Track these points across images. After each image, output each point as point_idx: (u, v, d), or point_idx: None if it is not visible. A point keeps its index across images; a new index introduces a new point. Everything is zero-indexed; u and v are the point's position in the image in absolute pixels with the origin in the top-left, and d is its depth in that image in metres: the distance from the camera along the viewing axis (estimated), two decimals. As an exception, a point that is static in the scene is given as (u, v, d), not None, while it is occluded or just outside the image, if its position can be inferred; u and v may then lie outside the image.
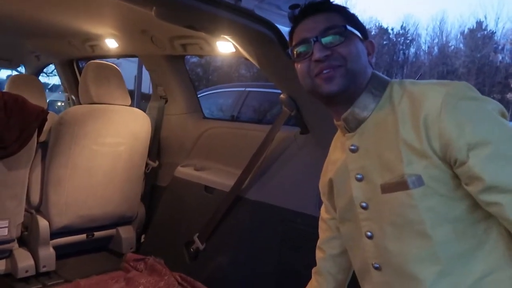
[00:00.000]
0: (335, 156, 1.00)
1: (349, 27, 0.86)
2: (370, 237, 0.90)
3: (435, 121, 0.77)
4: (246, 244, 1.73)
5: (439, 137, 0.77)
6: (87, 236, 2.14)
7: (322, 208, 1.11)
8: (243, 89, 3.92)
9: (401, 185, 0.81)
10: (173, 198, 2.15)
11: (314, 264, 1.19)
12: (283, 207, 1.63)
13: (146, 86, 10.47)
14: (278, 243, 1.62)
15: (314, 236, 1.50)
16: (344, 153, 0.94)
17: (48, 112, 1.86)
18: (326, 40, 0.85)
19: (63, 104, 3.94)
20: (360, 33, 0.89)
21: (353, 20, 0.89)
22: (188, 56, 2.36)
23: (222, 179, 1.91)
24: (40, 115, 1.77)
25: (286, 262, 1.60)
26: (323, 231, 1.10)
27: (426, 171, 0.79)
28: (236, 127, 2.14)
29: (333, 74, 0.84)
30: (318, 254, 1.11)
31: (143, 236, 2.37)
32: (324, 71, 0.85)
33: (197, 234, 1.89)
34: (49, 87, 8.97)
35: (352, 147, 0.91)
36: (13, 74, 3.02)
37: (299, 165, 1.65)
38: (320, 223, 1.12)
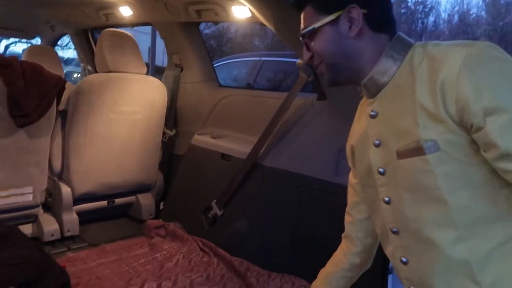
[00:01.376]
0: (359, 122, 1.00)
1: (315, 25, 0.88)
2: (387, 203, 0.90)
3: (453, 85, 0.74)
4: (263, 210, 1.76)
5: (455, 101, 0.74)
6: (108, 202, 2.20)
7: (350, 173, 1.11)
8: (257, 58, 3.87)
9: (416, 150, 0.80)
10: (190, 166, 2.18)
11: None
12: (300, 173, 1.64)
13: (160, 60, 10.43)
14: (294, 208, 1.64)
15: (330, 201, 1.52)
16: (366, 119, 0.94)
17: (66, 81, 1.87)
18: (306, 41, 0.92)
19: (79, 75, 3.97)
20: (333, 11, 0.87)
21: (323, 3, 0.89)
22: (201, 28, 2.33)
23: (239, 146, 1.92)
24: (58, 83, 1.79)
25: (303, 227, 1.63)
26: (351, 196, 1.11)
27: (442, 136, 0.77)
28: (252, 94, 2.13)
29: (322, 71, 0.92)
30: (347, 219, 1.12)
31: (161, 204, 2.42)
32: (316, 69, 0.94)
33: (215, 200, 1.93)
34: (64, 60, 9.02)
35: (372, 113, 0.90)
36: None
37: (316, 132, 1.64)
38: (348, 188, 1.12)
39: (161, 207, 2.41)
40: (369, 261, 1.14)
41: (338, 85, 0.95)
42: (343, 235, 1.15)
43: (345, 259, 1.12)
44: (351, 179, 1.10)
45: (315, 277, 1.43)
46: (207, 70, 2.31)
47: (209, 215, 1.95)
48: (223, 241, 1.88)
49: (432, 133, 0.78)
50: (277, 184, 1.72)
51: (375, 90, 0.89)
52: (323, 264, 1.42)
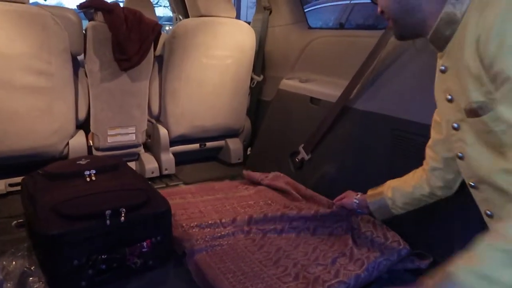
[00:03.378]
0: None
1: None
2: (461, 158, 0.91)
3: (485, 42, 0.70)
4: (354, 154, 1.70)
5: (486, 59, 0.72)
6: (200, 145, 2.33)
7: (436, 110, 1.10)
8: (347, 1, 3.62)
9: (473, 112, 0.79)
10: (278, 111, 2.18)
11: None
12: (395, 117, 1.54)
13: (244, 15, 10.34)
14: (388, 153, 1.56)
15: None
16: (438, 73, 0.94)
17: (162, 26, 1.95)
18: None
19: (170, 27, 4.13)
20: None
21: None
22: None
23: (329, 90, 1.85)
24: (155, 28, 1.87)
25: (396, 171, 1.54)
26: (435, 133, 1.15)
27: (488, 97, 0.74)
28: (344, 34, 2.02)
29: (390, 25, 0.94)
30: (428, 153, 1.18)
31: (249, 149, 2.49)
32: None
33: (302, 145, 1.92)
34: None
35: (442, 68, 0.88)
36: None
37: (416, 71, 1.51)
38: (433, 125, 1.15)
39: (249, 152, 2.48)
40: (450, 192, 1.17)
41: (407, 39, 0.98)
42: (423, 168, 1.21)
43: (427, 187, 1.18)
44: (435, 116, 1.13)
45: (408, 225, 1.41)
46: (297, 11, 2.23)
47: (296, 160, 1.96)
48: (310, 185, 1.88)
49: (478, 95, 0.76)
50: (369, 127, 1.64)
51: (442, 43, 0.85)
52: (417, 213, 1.37)
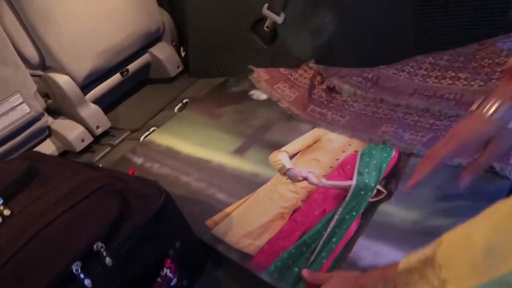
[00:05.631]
0: None
1: None
2: None
3: None
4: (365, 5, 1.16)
5: None
6: (121, 74, 1.64)
7: None
8: None
9: None
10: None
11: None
12: None
13: None
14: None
15: None
16: None
17: None
18: None
19: None
20: None
21: None
22: None
23: None
24: None
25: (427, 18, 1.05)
26: None
27: None
28: None
29: None
30: None
31: (181, 49, 1.85)
32: None
33: (266, 4, 1.33)
34: None
35: None
36: None
37: None
38: None
39: (183, 53, 1.85)
40: None
41: None
42: None
43: None
44: None
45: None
46: None
47: (265, 29, 1.38)
48: (295, 59, 1.36)
49: None
50: None
51: None
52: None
